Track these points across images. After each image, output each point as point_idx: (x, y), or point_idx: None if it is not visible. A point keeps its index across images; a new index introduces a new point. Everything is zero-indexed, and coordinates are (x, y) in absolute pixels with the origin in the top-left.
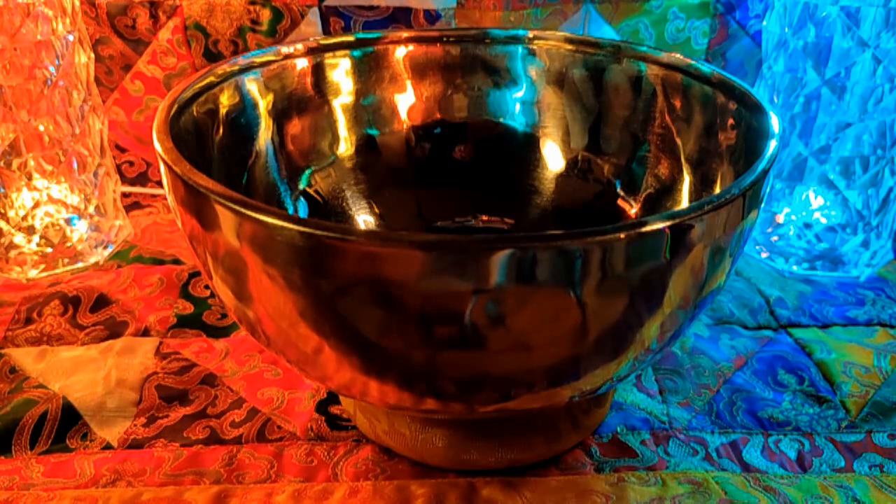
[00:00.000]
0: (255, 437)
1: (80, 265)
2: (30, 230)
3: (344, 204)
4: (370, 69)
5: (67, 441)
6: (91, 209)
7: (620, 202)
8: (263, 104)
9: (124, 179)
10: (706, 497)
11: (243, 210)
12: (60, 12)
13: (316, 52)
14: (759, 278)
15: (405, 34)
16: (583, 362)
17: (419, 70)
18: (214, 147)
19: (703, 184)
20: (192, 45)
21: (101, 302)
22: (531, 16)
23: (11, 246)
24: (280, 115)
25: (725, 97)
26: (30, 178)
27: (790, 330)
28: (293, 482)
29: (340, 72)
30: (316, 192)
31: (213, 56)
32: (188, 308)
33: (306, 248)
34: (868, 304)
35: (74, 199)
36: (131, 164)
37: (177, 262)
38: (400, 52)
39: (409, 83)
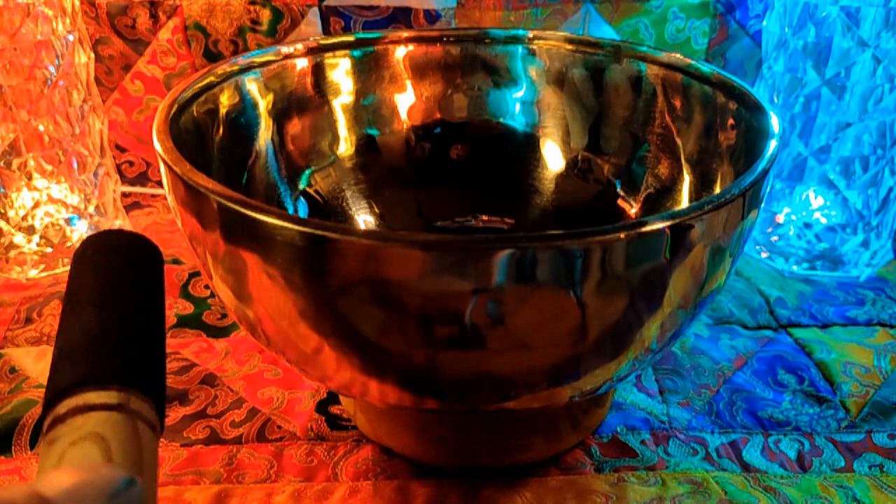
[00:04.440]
0: (255, 437)
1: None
2: (30, 230)
3: (344, 204)
4: (370, 69)
5: None
6: (91, 209)
7: (620, 202)
8: (263, 104)
9: (124, 179)
10: (706, 497)
11: (243, 210)
12: (60, 12)
13: (316, 52)
14: (759, 278)
15: (405, 34)
16: (583, 362)
17: (419, 70)
18: (214, 147)
19: (703, 184)
20: (192, 45)
21: None
22: (531, 16)
23: (11, 246)
24: (280, 115)
25: (725, 97)
26: (30, 178)
27: (790, 330)
28: (293, 482)
29: (340, 72)
30: (316, 192)
31: (213, 56)
32: (188, 308)
33: (306, 248)
34: (868, 304)
35: (74, 199)
36: (131, 164)
37: (177, 262)
38: (400, 52)
39: (409, 83)
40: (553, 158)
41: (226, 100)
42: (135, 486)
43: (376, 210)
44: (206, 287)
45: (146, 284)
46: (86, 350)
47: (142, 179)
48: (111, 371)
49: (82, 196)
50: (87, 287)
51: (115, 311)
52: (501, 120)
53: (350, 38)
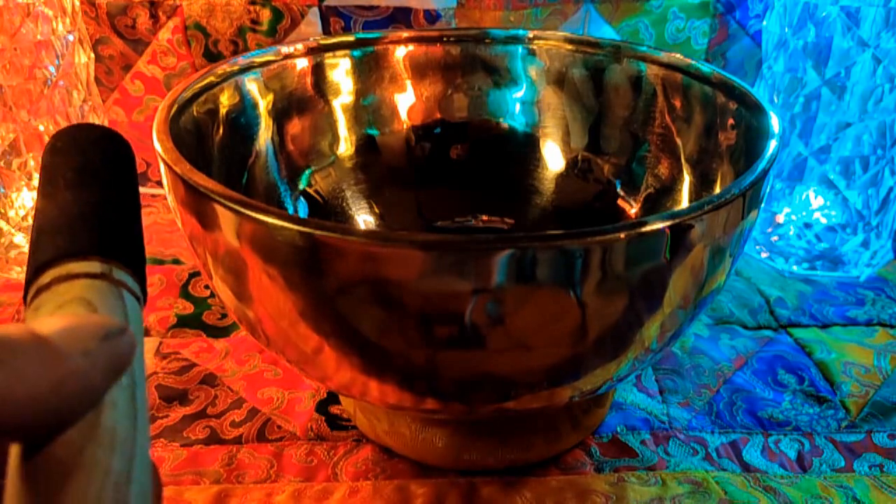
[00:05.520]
0: (255, 437)
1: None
2: (30, 230)
3: (344, 204)
4: (370, 69)
5: None
6: None
7: (620, 202)
8: (263, 104)
9: None
10: (706, 497)
11: (243, 210)
12: (60, 12)
13: (316, 52)
14: (759, 278)
15: (405, 34)
16: (583, 362)
17: (419, 70)
18: (214, 147)
19: (703, 184)
20: (192, 45)
21: None
22: (531, 16)
23: (11, 246)
24: (280, 115)
25: (725, 97)
26: (30, 178)
27: (790, 330)
28: (293, 482)
29: (340, 72)
30: (316, 192)
31: (213, 56)
32: (188, 308)
33: (306, 248)
34: (868, 304)
35: None
36: None
37: (177, 262)
38: (400, 52)
39: (409, 83)
40: (553, 158)
41: (226, 100)
42: (127, 334)
43: (376, 210)
44: (206, 287)
45: (120, 168)
46: (65, 226)
47: (142, 179)
48: (92, 243)
49: None
50: (61, 173)
51: (91, 192)
52: (501, 120)
53: (350, 38)
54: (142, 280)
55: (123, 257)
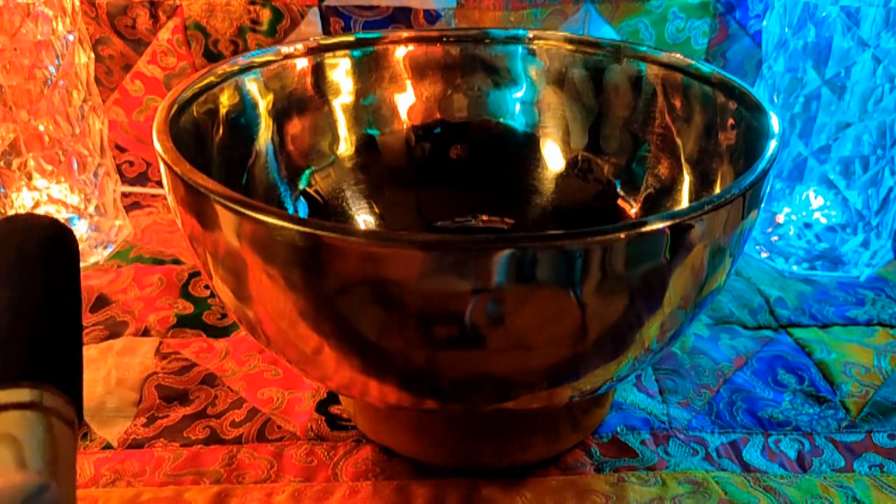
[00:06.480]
0: (255, 437)
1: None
2: None
3: (344, 204)
4: (370, 69)
5: None
6: (91, 209)
7: (620, 202)
8: (263, 104)
9: (124, 179)
10: (706, 497)
11: (243, 210)
12: (60, 12)
13: (316, 52)
14: (759, 278)
15: (405, 34)
16: (583, 362)
17: (419, 70)
18: (214, 147)
19: (703, 184)
20: (192, 45)
21: (101, 302)
22: (531, 16)
23: None
24: (280, 115)
25: (725, 97)
26: (30, 178)
27: (790, 330)
28: (293, 482)
29: (340, 72)
30: (316, 192)
31: (213, 56)
32: (188, 308)
33: (306, 248)
34: (868, 304)
35: (74, 199)
36: (131, 164)
37: (177, 262)
38: (400, 52)
39: (409, 83)
40: (553, 158)
41: (226, 100)
42: (48, 491)
43: (376, 210)
44: (206, 287)
45: (59, 271)
46: None
47: (142, 179)
48: (22, 366)
49: (82, 196)
50: None
51: (25, 300)
52: (501, 120)
53: (350, 38)
54: (77, 398)
55: (57, 376)
